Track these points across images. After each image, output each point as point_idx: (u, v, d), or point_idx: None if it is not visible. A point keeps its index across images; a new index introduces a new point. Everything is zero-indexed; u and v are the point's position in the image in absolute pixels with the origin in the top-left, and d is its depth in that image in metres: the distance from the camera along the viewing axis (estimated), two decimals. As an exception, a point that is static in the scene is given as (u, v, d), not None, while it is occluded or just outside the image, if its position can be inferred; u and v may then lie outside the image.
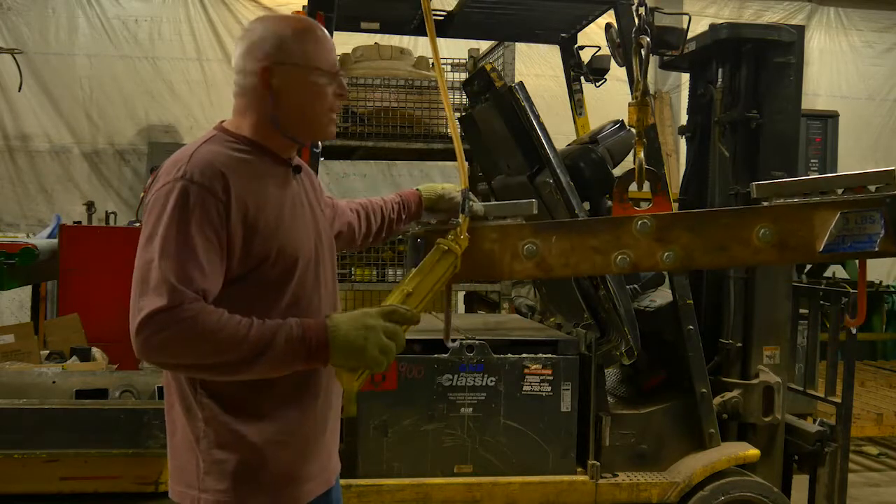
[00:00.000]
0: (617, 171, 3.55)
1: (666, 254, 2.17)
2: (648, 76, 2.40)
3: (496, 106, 3.56)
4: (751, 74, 3.71)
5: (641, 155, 2.32)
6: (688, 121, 4.13)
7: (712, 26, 3.79)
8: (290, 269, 1.80)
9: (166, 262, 1.63)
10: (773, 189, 2.17)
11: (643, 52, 2.38)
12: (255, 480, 1.77)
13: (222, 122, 1.90)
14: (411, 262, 2.31)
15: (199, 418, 1.76)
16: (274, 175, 1.84)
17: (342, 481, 3.29)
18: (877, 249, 2.02)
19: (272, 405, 1.78)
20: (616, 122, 3.71)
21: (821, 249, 2.06)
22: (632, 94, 2.41)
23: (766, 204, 2.14)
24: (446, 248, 2.00)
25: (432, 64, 6.04)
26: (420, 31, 4.38)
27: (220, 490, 1.75)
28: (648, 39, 2.37)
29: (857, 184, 2.08)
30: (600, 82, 4.35)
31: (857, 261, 2.29)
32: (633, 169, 2.29)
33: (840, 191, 2.10)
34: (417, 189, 2.40)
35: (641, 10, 2.42)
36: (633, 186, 2.33)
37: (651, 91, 2.42)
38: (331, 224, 2.11)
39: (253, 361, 1.64)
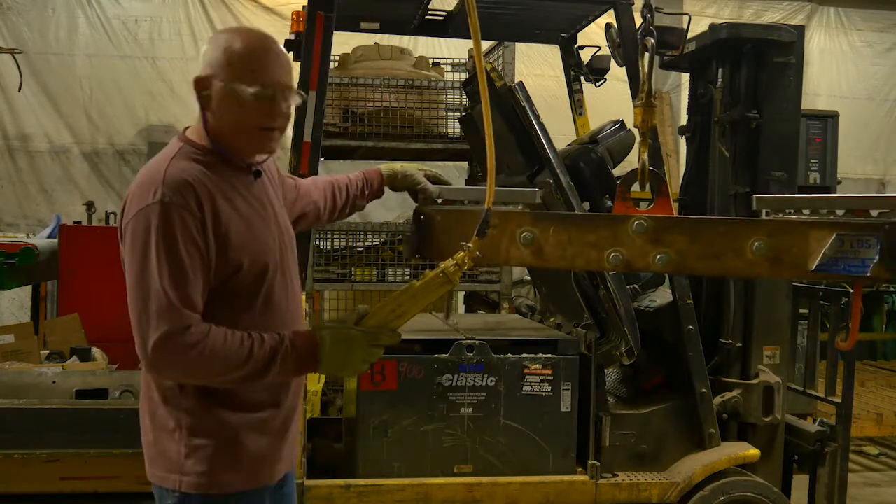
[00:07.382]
0: (617, 171, 3.55)
1: (659, 256, 2.17)
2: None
3: (496, 106, 3.55)
4: (751, 74, 3.71)
5: (645, 156, 2.33)
6: (688, 121, 4.12)
7: (712, 26, 3.79)
8: (260, 276, 1.90)
9: (167, 286, 1.74)
10: (773, 203, 2.17)
11: (648, 54, 2.39)
12: (233, 461, 1.88)
13: (186, 129, 1.95)
14: (415, 237, 2.42)
15: (181, 408, 1.87)
16: (237, 183, 1.91)
17: (341, 481, 3.33)
18: (868, 274, 2.01)
19: (250, 396, 1.91)
20: (616, 122, 3.71)
21: (812, 268, 2.06)
22: (637, 95, 2.41)
23: (764, 217, 2.14)
24: (446, 278, 1.97)
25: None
26: (420, 31, 4.38)
27: (200, 472, 1.86)
28: (653, 41, 2.38)
29: (860, 207, 2.07)
30: (600, 82, 4.36)
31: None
32: (637, 169, 2.30)
33: (840, 211, 2.09)
34: (379, 168, 2.50)
35: (646, 12, 2.42)
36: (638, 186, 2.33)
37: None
38: (291, 208, 2.20)
39: (256, 376, 1.83)
